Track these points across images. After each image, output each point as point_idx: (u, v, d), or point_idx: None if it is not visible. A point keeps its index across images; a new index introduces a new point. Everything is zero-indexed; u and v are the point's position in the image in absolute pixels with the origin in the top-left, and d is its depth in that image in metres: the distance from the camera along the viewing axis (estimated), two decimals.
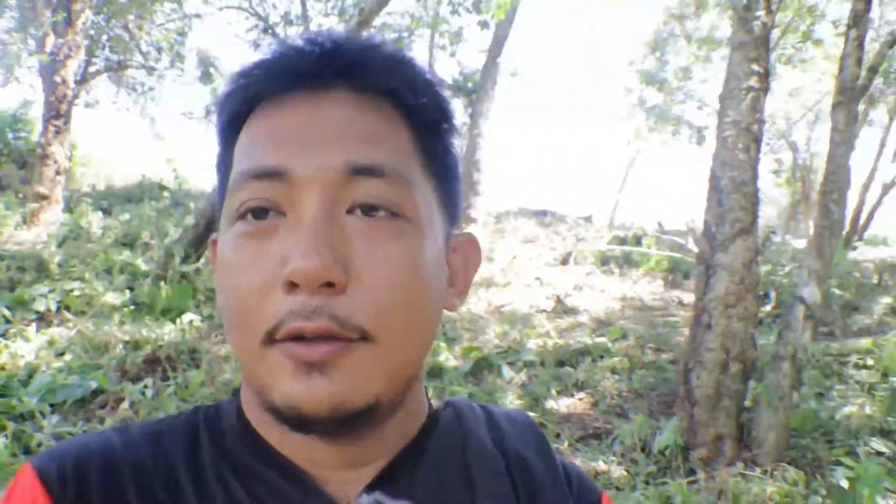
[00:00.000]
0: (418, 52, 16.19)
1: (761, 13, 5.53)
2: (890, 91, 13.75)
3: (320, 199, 0.59)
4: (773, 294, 8.93)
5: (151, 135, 15.52)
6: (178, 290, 7.22)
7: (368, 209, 0.60)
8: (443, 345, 7.17)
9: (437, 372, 6.51)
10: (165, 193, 12.91)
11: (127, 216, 10.59)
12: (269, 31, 15.06)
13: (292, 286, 0.56)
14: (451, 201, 0.71)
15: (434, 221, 0.66)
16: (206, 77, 15.24)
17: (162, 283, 7.36)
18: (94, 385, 5.37)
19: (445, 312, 0.71)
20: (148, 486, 0.62)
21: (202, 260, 7.88)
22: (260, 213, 0.61)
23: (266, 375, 0.59)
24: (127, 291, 7.40)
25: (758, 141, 5.48)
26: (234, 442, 0.67)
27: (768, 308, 8.54)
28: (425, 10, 15.07)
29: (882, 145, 14.03)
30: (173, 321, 6.83)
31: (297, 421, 0.58)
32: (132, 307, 7.05)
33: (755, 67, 5.48)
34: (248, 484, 0.64)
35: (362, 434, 0.64)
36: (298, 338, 0.57)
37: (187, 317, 6.86)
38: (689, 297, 10.48)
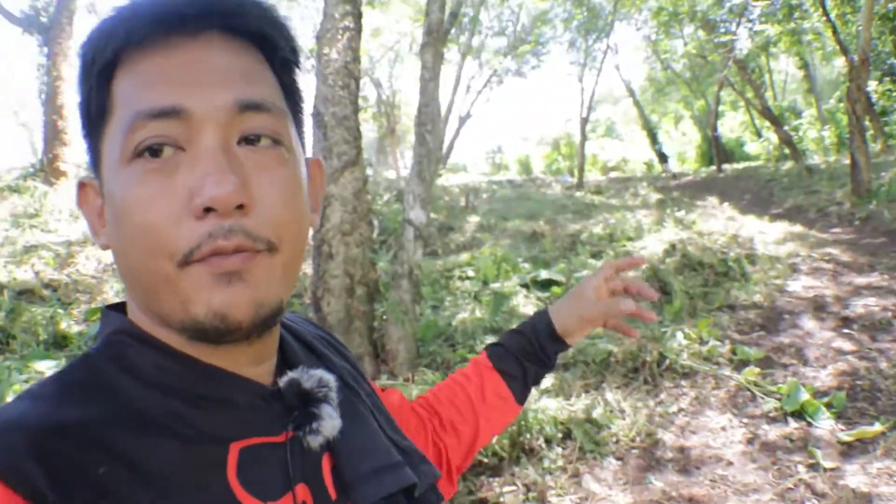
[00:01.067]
0: None
1: None
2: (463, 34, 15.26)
3: (217, 133, 0.64)
4: (377, 222, 9.56)
5: None
6: None
7: (256, 140, 0.67)
8: (60, 311, 6.56)
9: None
10: None
11: None
12: None
13: (206, 212, 0.61)
14: (301, 130, 0.78)
15: (299, 148, 0.74)
16: None
17: None
18: None
19: None
20: (80, 443, 0.59)
21: None
22: (156, 150, 0.64)
23: (185, 293, 0.63)
24: None
25: (356, 78, 5.75)
26: (156, 371, 0.68)
27: (375, 235, 9.15)
28: None
29: (457, 81, 15.58)
30: None
31: (221, 330, 0.63)
32: None
33: (349, 8, 5.71)
34: (190, 400, 0.67)
35: (265, 337, 0.71)
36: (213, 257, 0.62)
37: None
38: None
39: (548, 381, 4.64)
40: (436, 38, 6.11)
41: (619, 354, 5.03)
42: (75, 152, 13.07)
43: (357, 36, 5.75)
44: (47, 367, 4.74)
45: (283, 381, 0.73)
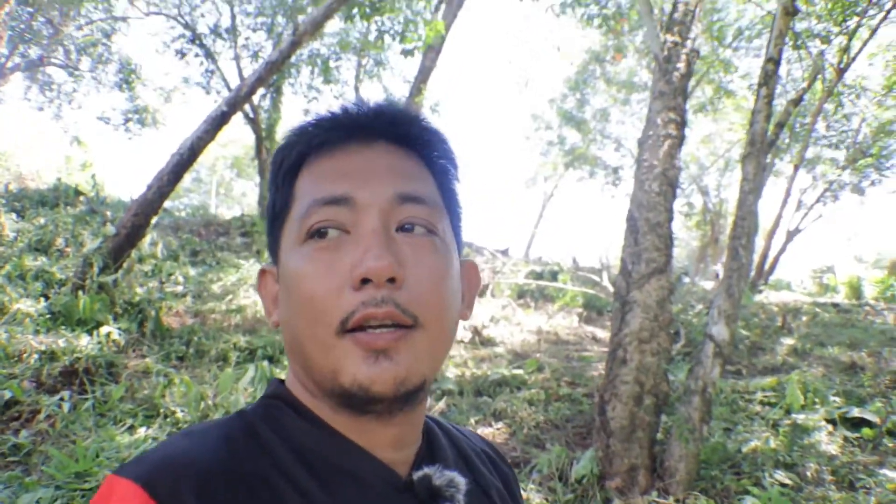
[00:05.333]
0: (345, 75, 16.24)
1: (681, 65, 5.84)
2: (795, 144, 14.53)
3: (379, 218, 0.77)
4: (682, 332, 9.27)
5: (68, 138, 15.01)
6: (96, 301, 7.02)
7: (412, 228, 0.79)
8: None
9: None
10: (81, 199, 12.51)
11: (42, 220, 10.23)
12: (197, 42, 14.81)
13: (363, 283, 0.73)
14: (458, 234, 0.89)
15: (453, 245, 0.85)
16: (125, 84, 14.86)
17: (80, 293, 7.15)
18: (7, 395, 5.17)
19: None
20: (248, 488, 0.69)
21: (121, 271, 7.71)
22: (325, 233, 0.77)
23: (337, 362, 0.73)
24: (42, 299, 7.16)
25: (673, 185, 5.75)
26: (301, 434, 0.77)
27: (678, 346, 8.86)
28: (348, 34, 15.16)
29: (787, 195, 14.77)
30: (90, 333, 6.64)
31: (364, 400, 0.73)
32: (48, 316, 6.81)
33: (673, 116, 5.76)
34: (323, 468, 0.75)
35: (407, 415, 0.79)
36: (362, 329, 0.72)
37: (105, 329, 6.69)
38: (602, 333, 10.78)
39: None
40: (759, 148, 5.91)
41: None
42: None
43: (678, 144, 5.77)
44: None
45: (416, 475, 0.79)
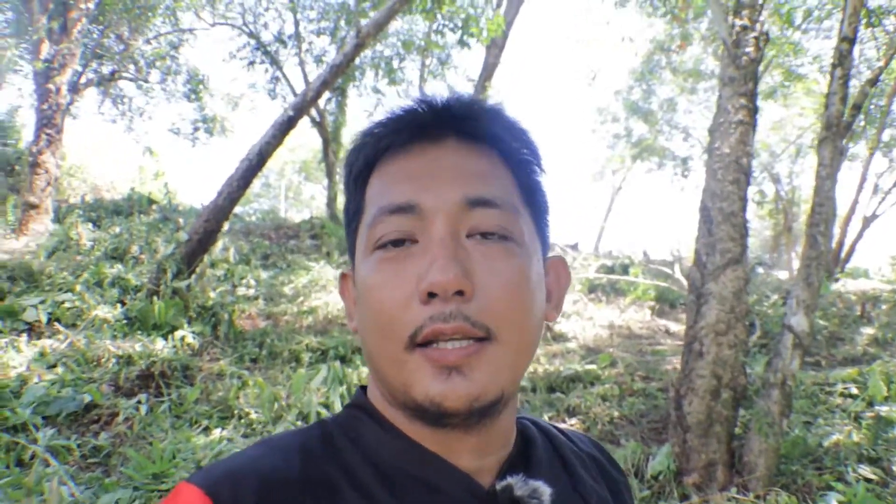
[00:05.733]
0: (410, 75, 16.32)
1: (750, 49, 5.67)
2: (871, 127, 14.02)
3: (446, 225, 0.72)
4: (758, 323, 9.02)
5: (140, 149, 15.42)
6: (170, 306, 7.21)
7: (484, 234, 0.73)
8: None
9: None
10: (154, 207, 12.87)
11: (117, 229, 10.55)
12: (262, 50, 15.06)
13: (430, 296, 0.68)
14: (544, 230, 0.83)
15: (534, 245, 0.79)
16: (193, 94, 15.20)
17: (154, 299, 7.34)
18: (87, 399, 5.34)
19: None
20: (317, 499, 0.68)
21: (194, 276, 7.88)
22: (396, 242, 0.73)
23: (408, 377, 0.70)
24: (118, 305, 7.37)
25: (746, 173, 5.58)
26: (377, 444, 0.75)
27: (754, 337, 8.63)
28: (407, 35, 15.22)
29: (863, 179, 14.28)
30: (165, 337, 6.82)
31: (438, 415, 0.70)
32: (124, 321, 7.02)
33: (744, 102, 5.60)
34: (400, 480, 0.72)
35: (487, 426, 0.74)
36: (434, 342, 0.69)
37: (180, 333, 6.86)
38: (676, 326, 10.59)
39: None
40: (835, 132, 5.70)
41: None
42: None
43: (750, 130, 5.61)
44: None
45: (500, 485, 0.74)
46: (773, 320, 8.96)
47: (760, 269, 14.11)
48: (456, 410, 0.68)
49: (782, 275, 15.14)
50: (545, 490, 0.75)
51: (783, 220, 19.50)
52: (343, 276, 0.86)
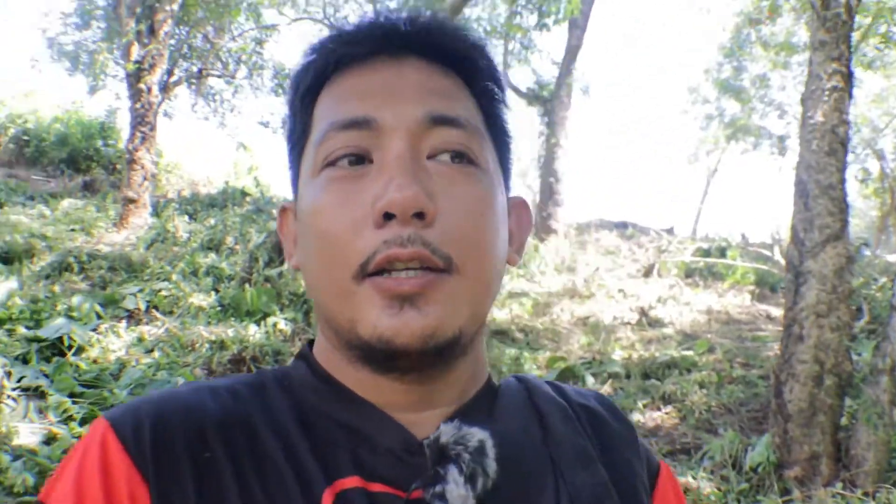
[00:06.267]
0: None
1: (840, 10, 5.33)
2: None
3: (405, 142, 0.64)
4: (865, 308, 8.59)
5: (234, 144, 15.81)
6: (262, 293, 7.38)
7: (448, 156, 0.66)
8: (526, 354, 7.16)
9: None
10: (248, 200, 13.22)
11: (212, 221, 10.90)
12: None
13: (386, 218, 0.61)
14: (506, 164, 0.76)
15: (498, 177, 0.72)
16: (280, 88, 15.50)
17: (247, 286, 7.53)
18: (181, 381, 5.50)
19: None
20: (231, 438, 0.63)
21: (286, 264, 8.02)
22: (348, 161, 0.66)
23: (356, 311, 0.62)
24: (213, 293, 7.61)
25: (843, 143, 5.29)
26: (307, 391, 0.70)
27: (862, 322, 8.21)
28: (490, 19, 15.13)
29: None
30: (258, 323, 6.99)
31: (386, 354, 0.62)
32: (218, 308, 7.24)
33: (837, 67, 5.28)
34: (323, 425, 0.66)
35: (438, 376, 0.67)
36: (386, 272, 0.61)
37: (272, 319, 7.01)
38: (777, 311, 10.25)
39: None
40: None
41: None
42: (567, 212, 14.29)
43: (846, 97, 5.31)
44: None
45: (433, 435, 0.65)
46: (882, 304, 8.50)
47: (867, 251, 13.47)
48: (406, 348, 0.60)
49: (891, 258, 14.42)
50: (475, 435, 0.64)
51: (890, 200, 18.56)
52: (282, 210, 0.78)
